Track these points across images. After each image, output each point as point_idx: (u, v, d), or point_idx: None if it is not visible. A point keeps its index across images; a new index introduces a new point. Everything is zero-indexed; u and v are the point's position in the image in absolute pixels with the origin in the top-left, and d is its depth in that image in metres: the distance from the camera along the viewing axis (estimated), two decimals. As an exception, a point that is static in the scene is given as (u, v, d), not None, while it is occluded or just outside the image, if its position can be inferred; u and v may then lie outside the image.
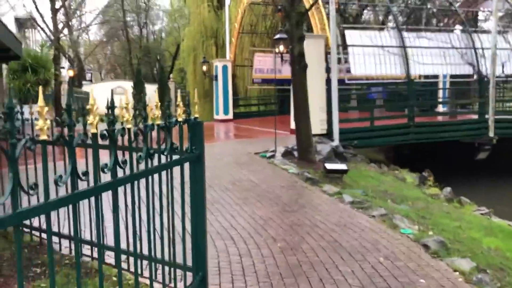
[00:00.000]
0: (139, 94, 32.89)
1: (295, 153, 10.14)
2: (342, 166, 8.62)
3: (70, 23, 37.10)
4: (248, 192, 6.85)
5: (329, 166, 8.50)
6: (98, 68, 56.46)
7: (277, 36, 11.94)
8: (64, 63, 35.54)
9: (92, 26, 43.40)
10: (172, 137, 2.72)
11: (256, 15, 21.85)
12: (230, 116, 20.22)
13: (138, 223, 2.65)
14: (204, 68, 20.34)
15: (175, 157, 2.81)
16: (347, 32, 15.02)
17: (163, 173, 2.70)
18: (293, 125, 10.90)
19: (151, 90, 33.28)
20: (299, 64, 9.62)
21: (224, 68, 19.93)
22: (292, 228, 5.19)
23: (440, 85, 19.64)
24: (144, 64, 43.31)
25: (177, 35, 39.81)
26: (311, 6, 10.61)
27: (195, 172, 3.04)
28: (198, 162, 3.05)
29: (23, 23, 36.63)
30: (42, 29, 35.37)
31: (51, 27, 27.22)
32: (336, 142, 11.63)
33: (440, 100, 19.73)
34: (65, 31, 37.01)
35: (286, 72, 16.96)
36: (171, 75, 38.61)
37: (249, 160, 9.66)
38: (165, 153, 2.59)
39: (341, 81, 13.70)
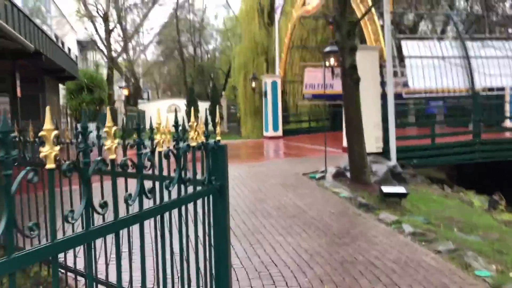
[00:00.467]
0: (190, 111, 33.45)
1: (348, 174, 9.32)
2: (400, 189, 7.73)
3: (126, 44, 38.55)
4: (293, 219, 6.17)
5: (386, 189, 7.65)
6: (155, 86, 58.25)
7: (327, 48, 11.30)
8: (122, 82, 36.86)
9: (149, 46, 44.84)
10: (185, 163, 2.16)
11: (307, 29, 21.30)
12: (280, 133, 19.65)
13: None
14: (253, 84, 19.96)
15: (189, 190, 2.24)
16: (403, 42, 14.12)
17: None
18: (345, 143, 10.11)
19: (203, 108, 33.66)
20: (350, 77, 8.88)
21: (274, 84, 19.46)
22: (342, 265, 4.45)
23: (507, 98, 18.05)
24: (198, 82, 43.95)
25: (230, 54, 40.07)
26: (363, 15, 9.90)
27: (215, 209, 2.45)
28: (219, 196, 2.46)
29: (85, 45, 38.58)
30: (101, 50, 37.03)
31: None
32: (393, 162, 10.67)
33: (508, 114, 18.10)
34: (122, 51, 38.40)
35: (337, 87, 16.19)
36: (223, 93, 38.78)
37: (296, 181, 8.97)
38: (170, 188, 2.01)
39: (397, 96, 12.79)
